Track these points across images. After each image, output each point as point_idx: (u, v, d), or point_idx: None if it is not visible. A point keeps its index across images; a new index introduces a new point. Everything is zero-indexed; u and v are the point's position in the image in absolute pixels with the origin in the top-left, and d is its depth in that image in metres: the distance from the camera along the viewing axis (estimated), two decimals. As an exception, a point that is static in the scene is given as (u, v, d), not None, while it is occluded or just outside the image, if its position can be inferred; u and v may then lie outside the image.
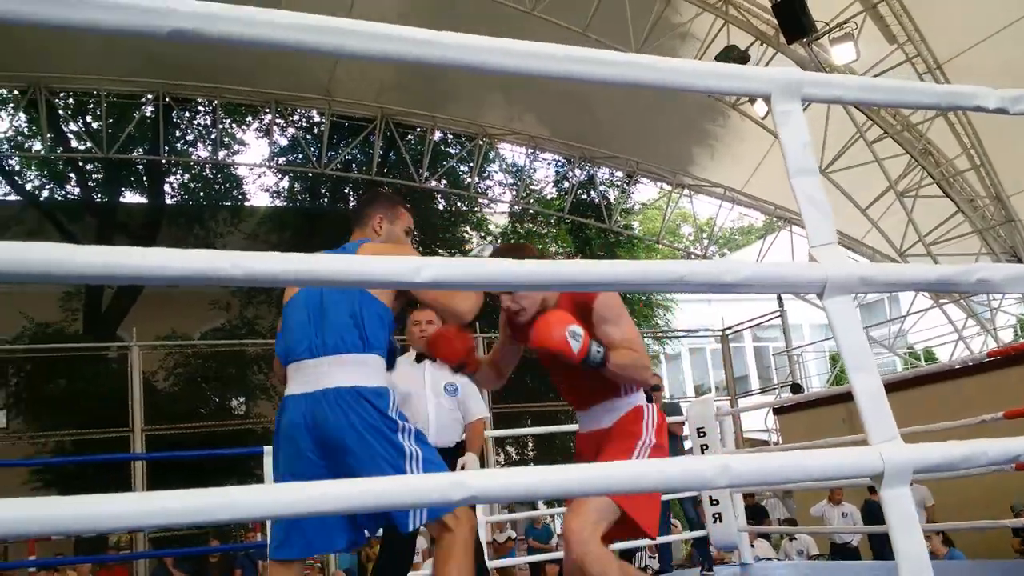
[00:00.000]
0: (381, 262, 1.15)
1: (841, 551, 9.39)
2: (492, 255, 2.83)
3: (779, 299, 15.61)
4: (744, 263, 1.41)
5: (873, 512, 9.03)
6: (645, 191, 20.45)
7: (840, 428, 10.33)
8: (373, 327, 2.36)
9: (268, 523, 5.51)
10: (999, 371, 9.06)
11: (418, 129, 16.22)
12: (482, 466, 4.92)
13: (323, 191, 18.50)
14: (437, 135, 16.25)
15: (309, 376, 2.36)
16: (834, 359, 19.03)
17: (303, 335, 2.39)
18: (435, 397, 4.06)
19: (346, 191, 18.64)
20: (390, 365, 2.54)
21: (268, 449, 5.51)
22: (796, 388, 14.01)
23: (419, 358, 4.12)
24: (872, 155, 13.19)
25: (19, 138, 16.63)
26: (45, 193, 17.24)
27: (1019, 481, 6.78)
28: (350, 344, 2.34)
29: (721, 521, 6.27)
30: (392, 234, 2.83)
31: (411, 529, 2.39)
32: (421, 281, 1.14)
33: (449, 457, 3.75)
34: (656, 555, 8.43)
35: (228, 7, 1.08)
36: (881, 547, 8.78)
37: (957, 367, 9.18)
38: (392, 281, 1.16)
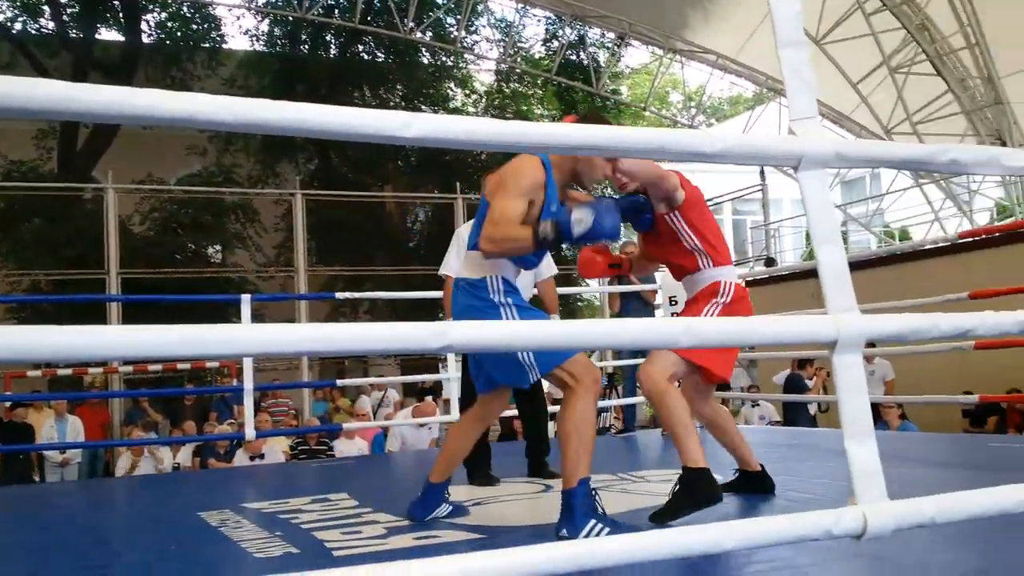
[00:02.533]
0: (370, 116, 1.16)
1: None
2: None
3: (761, 172, 15.61)
4: (722, 134, 1.44)
5: (792, 384, 9.40)
6: (636, 55, 20.05)
7: (808, 302, 10.55)
8: (479, 229, 2.86)
9: (246, 367, 5.65)
10: (969, 253, 9.25)
11: (404, -25, 15.66)
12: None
13: (304, 36, 17.95)
14: (424, -18, 15.71)
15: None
16: (810, 235, 19.20)
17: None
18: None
19: (327, 37, 18.10)
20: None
21: (246, 297, 5.60)
22: (770, 261, 14.21)
23: None
24: (868, 27, 12.95)
25: (-12, -35, 15.93)
26: (18, 26, 16.61)
27: (978, 360, 7.05)
28: (471, 243, 2.92)
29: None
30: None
31: (530, 381, 2.83)
32: (409, 136, 1.16)
33: None
34: (620, 416, 8.74)
35: None
36: (795, 417, 9.18)
37: (928, 247, 9.36)
38: (380, 135, 1.18)
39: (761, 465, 3.40)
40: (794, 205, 23.10)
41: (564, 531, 2.62)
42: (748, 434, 3.79)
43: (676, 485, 2.90)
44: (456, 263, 4.15)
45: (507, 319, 2.80)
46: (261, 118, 1.09)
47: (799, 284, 10.96)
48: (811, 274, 10.97)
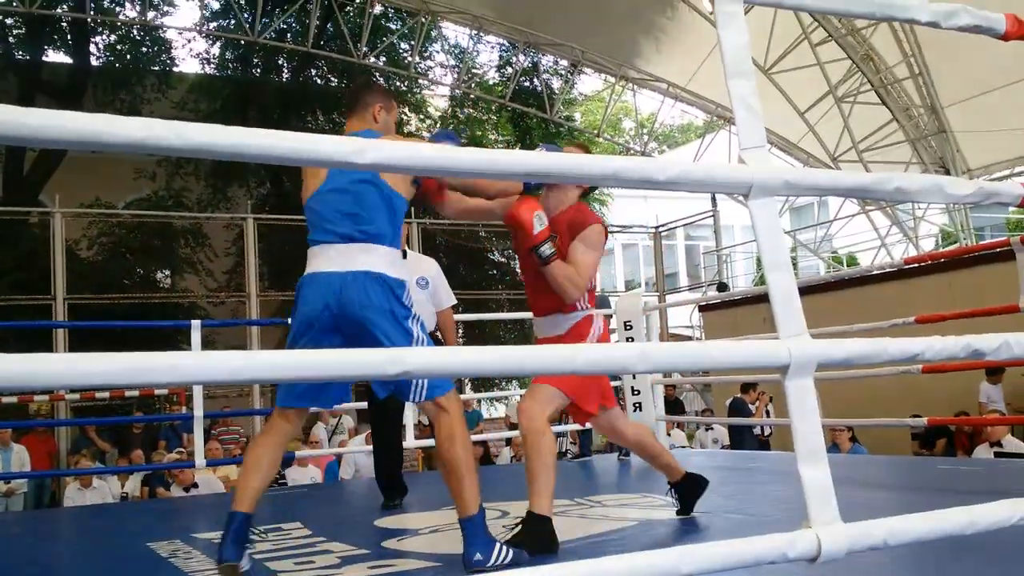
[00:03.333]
0: (326, 142, 1.16)
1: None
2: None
3: (713, 199, 15.84)
4: (674, 162, 1.46)
5: (735, 408, 9.55)
6: (589, 82, 20.27)
7: (761, 327, 10.68)
8: (394, 218, 2.68)
9: (196, 394, 5.56)
10: (915, 278, 9.44)
11: (357, 0, 15.67)
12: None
13: (256, 60, 17.84)
14: (377, 8, 15.72)
15: (338, 258, 2.61)
16: (760, 261, 19.49)
17: (333, 223, 2.64)
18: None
19: (280, 62, 18.01)
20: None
21: (196, 323, 5.52)
22: (722, 287, 14.40)
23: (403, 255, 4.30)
24: (815, 58, 13.26)
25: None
26: (-38, 47, 16.30)
27: (926, 383, 7.18)
28: (374, 234, 2.63)
29: (641, 410, 6.54)
30: (388, 125, 2.95)
31: (411, 399, 2.67)
32: (364, 162, 1.15)
33: None
34: (576, 442, 8.74)
35: None
36: (741, 440, 9.30)
37: (875, 272, 9.54)
38: (337, 161, 1.18)
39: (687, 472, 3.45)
40: (745, 231, 23.45)
41: (479, 555, 2.54)
42: (703, 457, 3.82)
43: (517, 526, 2.88)
44: None
45: (416, 337, 2.64)
46: (212, 143, 1.08)
47: (751, 309, 11.10)
48: (763, 299, 11.10)
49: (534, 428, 2.86)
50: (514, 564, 2.53)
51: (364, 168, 1.20)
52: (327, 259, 2.64)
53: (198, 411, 5.45)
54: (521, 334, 17.12)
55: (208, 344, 8.55)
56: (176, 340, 11.75)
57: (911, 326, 4.93)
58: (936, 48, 12.89)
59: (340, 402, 2.84)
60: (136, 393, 9.21)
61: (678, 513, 3.42)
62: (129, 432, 9.81)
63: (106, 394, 9.52)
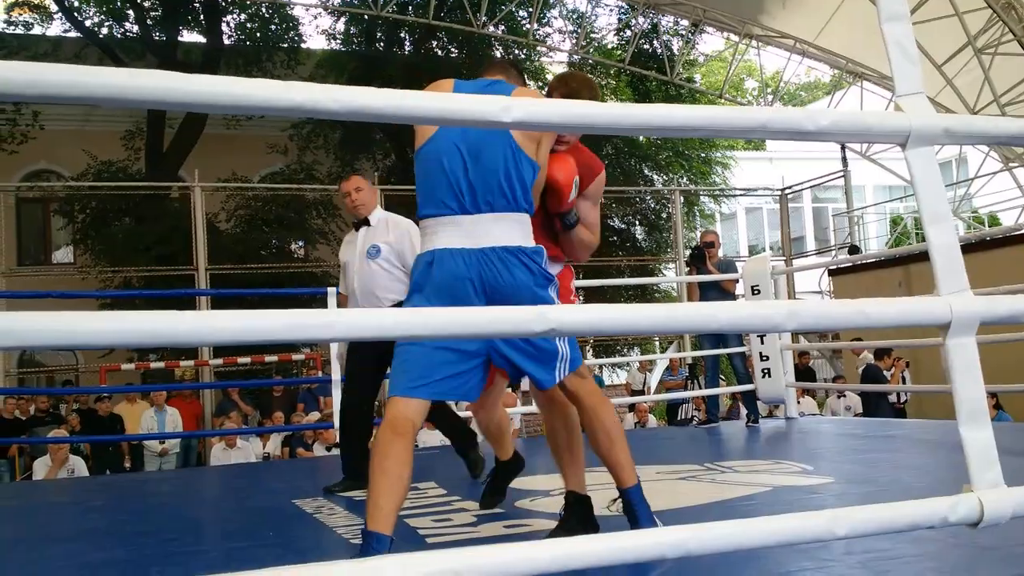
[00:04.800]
0: (470, 101, 1.17)
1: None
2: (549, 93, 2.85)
3: (843, 159, 15.22)
4: (825, 110, 1.40)
5: (870, 375, 9.13)
6: (710, 42, 19.74)
7: (896, 290, 10.28)
8: (525, 185, 2.36)
9: (333, 358, 5.75)
10: (1067, 238, 8.86)
11: (477, -30, 15.69)
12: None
13: (379, 35, 18.17)
14: (496, -24, 15.71)
15: (468, 232, 2.30)
16: (895, 221, 18.68)
17: (455, 189, 2.31)
18: (362, 263, 4.07)
19: (402, 35, 18.28)
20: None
21: (331, 290, 5.72)
22: (854, 249, 13.84)
23: (357, 226, 4.18)
24: (952, 8, 12.51)
25: (77, -28, 16.51)
26: (104, 30, 17.19)
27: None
28: (509, 202, 2.32)
29: (770, 376, 6.40)
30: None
31: (558, 379, 2.38)
32: (509, 120, 1.16)
33: None
34: (702, 407, 8.64)
35: None
36: (875, 408, 8.90)
37: (1022, 231, 9.00)
38: (479, 120, 1.19)
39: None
40: (877, 191, 22.49)
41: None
42: (834, 425, 3.71)
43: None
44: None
45: (555, 299, 2.41)
46: (367, 106, 1.11)
47: (886, 272, 10.67)
48: (898, 262, 10.67)
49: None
50: None
51: (508, 126, 1.20)
52: None
53: (336, 374, 5.64)
54: (642, 300, 16.98)
55: (340, 311, 8.84)
56: (311, 307, 12.19)
57: (1065, 287, 4.64)
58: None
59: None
60: (275, 358, 9.63)
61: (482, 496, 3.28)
62: (270, 395, 10.27)
63: (247, 359, 10.03)
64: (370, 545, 2.06)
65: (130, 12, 16.82)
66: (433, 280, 2.29)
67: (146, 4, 16.71)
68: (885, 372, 9.32)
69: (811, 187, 17.50)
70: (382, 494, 2.13)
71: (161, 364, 8.85)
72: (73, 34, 16.87)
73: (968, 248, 9.46)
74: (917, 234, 16.02)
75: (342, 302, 4.32)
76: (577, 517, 2.58)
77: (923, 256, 1.42)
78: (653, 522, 2.42)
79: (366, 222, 4.14)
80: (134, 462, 9.06)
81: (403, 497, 2.18)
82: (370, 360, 3.95)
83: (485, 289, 2.28)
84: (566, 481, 2.62)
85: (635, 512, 2.43)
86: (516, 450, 3.37)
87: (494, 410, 3.26)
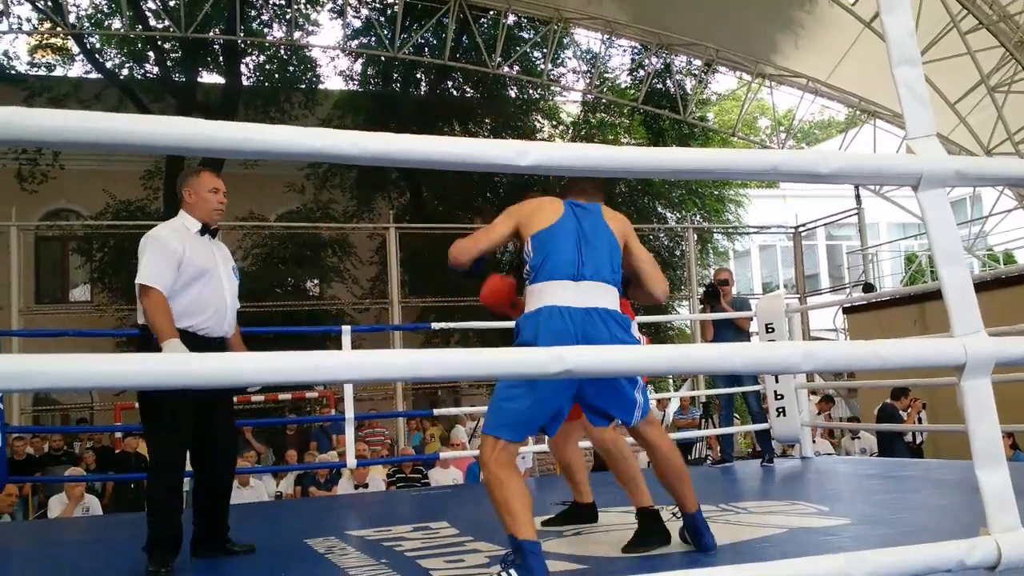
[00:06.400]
0: (488, 146, 1.19)
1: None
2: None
3: (857, 196, 15.24)
4: (838, 153, 1.42)
5: (886, 415, 9.03)
6: (723, 81, 19.88)
7: (911, 329, 10.21)
8: (617, 264, 2.95)
9: (347, 396, 5.75)
10: (1084, 277, 8.80)
11: (491, 12, 15.90)
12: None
13: (395, 76, 18.40)
14: (511, 18, 15.91)
15: (578, 294, 2.82)
16: (909, 259, 18.62)
17: (571, 259, 2.87)
18: (227, 280, 3.66)
19: (418, 75, 18.50)
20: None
21: (346, 328, 5.74)
22: (868, 287, 13.79)
23: (203, 231, 3.67)
24: (965, 47, 12.57)
25: (99, 15, 16.81)
26: (125, 71, 17.50)
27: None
28: (608, 276, 2.89)
29: (785, 415, 6.35)
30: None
31: (633, 422, 2.91)
32: (525, 164, 1.18)
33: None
34: (715, 446, 8.58)
35: None
36: (891, 449, 8.79)
37: (1040, 270, 8.95)
38: (495, 164, 1.21)
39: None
40: (891, 229, 22.44)
41: (710, 540, 2.95)
42: (849, 465, 3.69)
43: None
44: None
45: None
46: (387, 151, 1.13)
47: (901, 310, 10.62)
48: (913, 300, 10.62)
49: (603, 439, 3.20)
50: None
51: (525, 171, 1.22)
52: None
53: (349, 412, 5.64)
54: (656, 338, 16.92)
55: (355, 348, 8.86)
56: (325, 345, 12.23)
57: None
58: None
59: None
60: (288, 396, 9.64)
61: (545, 523, 3.66)
62: (283, 433, 10.27)
63: (261, 397, 10.04)
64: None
65: (150, 54, 17.13)
66: (538, 332, 2.79)
67: (166, 46, 17.01)
68: (902, 412, 9.23)
69: (825, 224, 17.50)
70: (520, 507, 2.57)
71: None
72: (94, 75, 17.17)
73: (983, 286, 9.47)
74: (931, 272, 15.94)
75: (163, 303, 3.42)
76: (649, 524, 3.08)
77: (938, 294, 1.42)
78: (712, 537, 2.95)
79: (214, 232, 3.72)
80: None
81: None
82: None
83: (584, 340, 2.75)
84: (635, 500, 3.13)
85: (698, 530, 2.96)
86: (592, 502, 3.75)
87: (567, 444, 3.73)
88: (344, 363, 1.23)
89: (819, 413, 10.04)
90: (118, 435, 9.65)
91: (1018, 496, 1.38)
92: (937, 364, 1.36)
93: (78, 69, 17.68)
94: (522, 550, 2.45)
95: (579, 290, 2.81)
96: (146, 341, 3.36)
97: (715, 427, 8.72)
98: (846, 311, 13.36)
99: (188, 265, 3.44)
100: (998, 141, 13.74)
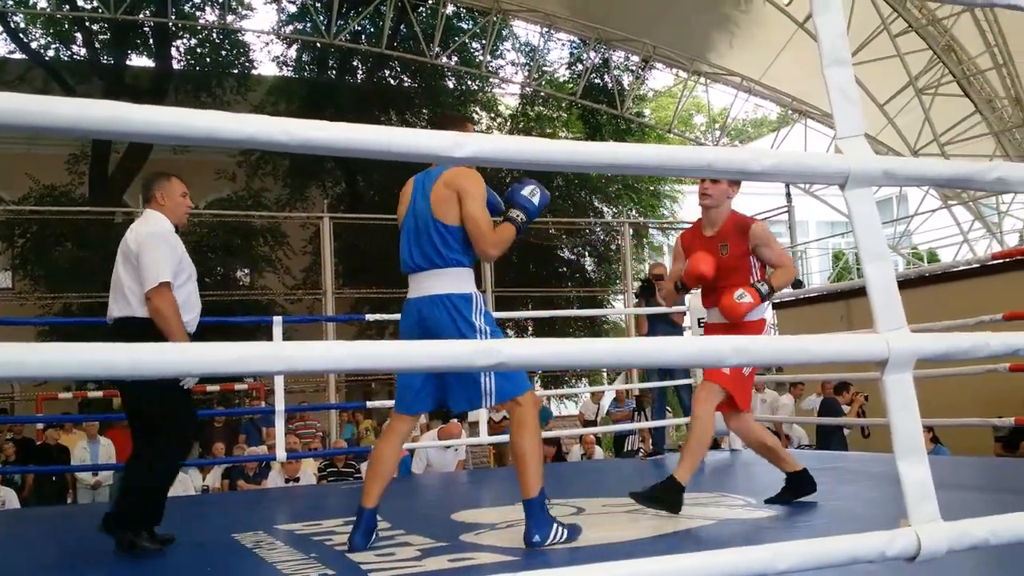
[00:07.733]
0: (423, 136, 1.17)
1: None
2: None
3: (787, 195, 15.56)
4: (769, 151, 1.44)
5: (828, 408, 9.24)
6: (660, 78, 20.09)
7: (838, 324, 10.48)
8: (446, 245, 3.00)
9: (278, 388, 5.67)
10: (1002, 274, 9.13)
11: (430, 1, 15.81)
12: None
13: (331, 63, 18.16)
14: (450, 8, 15.83)
15: (416, 285, 3.03)
16: (837, 257, 19.10)
17: (408, 253, 3.06)
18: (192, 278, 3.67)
19: (354, 63, 18.29)
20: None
21: (277, 319, 5.65)
22: (797, 283, 14.07)
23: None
24: (895, 49, 12.92)
25: (23, -7, 16.27)
26: (51, 52, 16.93)
27: (1010, 384, 6.94)
28: (437, 260, 2.99)
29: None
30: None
31: (484, 406, 3.05)
32: (461, 156, 1.17)
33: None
34: (648, 439, 8.68)
35: None
36: (828, 442, 9.01)
37: (961, 268, 9.26)
38: (433, 155, 1.19)
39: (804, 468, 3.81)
40: (820, 227, 22.98)
41: (537, 536, 2.91)
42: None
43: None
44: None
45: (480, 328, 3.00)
46: (319, 139, 1.11)
47: (828, 306, 10.89)
48: (841, 296, 10.90)
49: (695, 414, 3.57)
50: (569, 541, 2.92)
51: (462, 162, 1.21)
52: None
53: (279, 405, 5.56)
54: (591, 331, 17.06)
55: (287, 340, 8.74)
56: (256, 336, 12.02)
57: (999, 323, 4.78)
58: (1021, 37, 12.43)
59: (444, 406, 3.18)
60: (217, 388, 9.46)
61: (768, 501, 3.73)
62: (210, 426, 10.06)
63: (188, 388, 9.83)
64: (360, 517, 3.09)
65: (78, 35, 16.60)
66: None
67: (94, 27, 16.49)
68: (844, 406, 9.42)
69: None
70: (372, 477, 3.16)
71: (99, 393, 8.61)
72: (18, 55, 16.58)
73: (907, 284, 9.73)
74: (858, 269, 16.38)
75: (171, 301, 3.46)
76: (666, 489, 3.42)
77: (863, 291, 1.46)
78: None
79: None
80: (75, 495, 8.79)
81: (389, 478, 3.20)
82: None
83: (423, 327, 3.00)
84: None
85: (539, 516, 2.96)
86: (804, 469, 3.78)
87: (744, 424, 3.83)
88: (274, 354, 1.20)
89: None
90: (39, 427, 9.36)
91: (938, 489, 1.42)
92: (861, 359, 1.39)
93: (1, 49, 17.06)
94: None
95: (415, 281, 3.04)
96: (141, 334, 3.40)
97: (647, 420, 8.82)
98: (776, 307, 13.64)
99: (186, 264, 3.58)
100: (925, 142, 14.16)
